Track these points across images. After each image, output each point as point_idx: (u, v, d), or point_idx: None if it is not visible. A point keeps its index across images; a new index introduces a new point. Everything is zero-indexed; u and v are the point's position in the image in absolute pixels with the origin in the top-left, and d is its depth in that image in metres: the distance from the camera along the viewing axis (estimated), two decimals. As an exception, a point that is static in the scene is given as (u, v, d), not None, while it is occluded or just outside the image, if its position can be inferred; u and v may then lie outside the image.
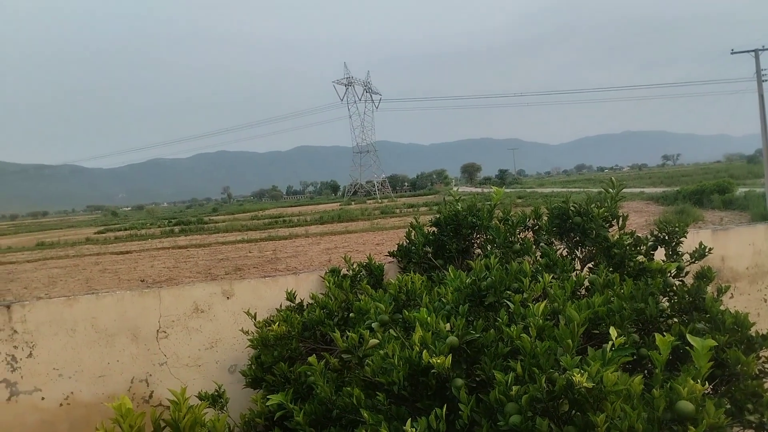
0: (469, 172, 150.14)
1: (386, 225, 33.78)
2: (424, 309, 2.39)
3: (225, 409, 2.91)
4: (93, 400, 3.52)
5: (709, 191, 34.80)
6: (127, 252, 30.55)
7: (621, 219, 3.29)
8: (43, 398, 3.44)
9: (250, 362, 3.30)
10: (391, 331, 2.46)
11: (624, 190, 3.42)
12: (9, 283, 21.13)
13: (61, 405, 3.46)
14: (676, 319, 2.86)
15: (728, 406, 2.48)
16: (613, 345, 1.99)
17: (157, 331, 3.61)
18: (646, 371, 2.62)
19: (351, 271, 3.74)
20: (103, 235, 46.18)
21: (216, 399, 2.92)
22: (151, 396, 3.59)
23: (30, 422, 3.41)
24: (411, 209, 48.02)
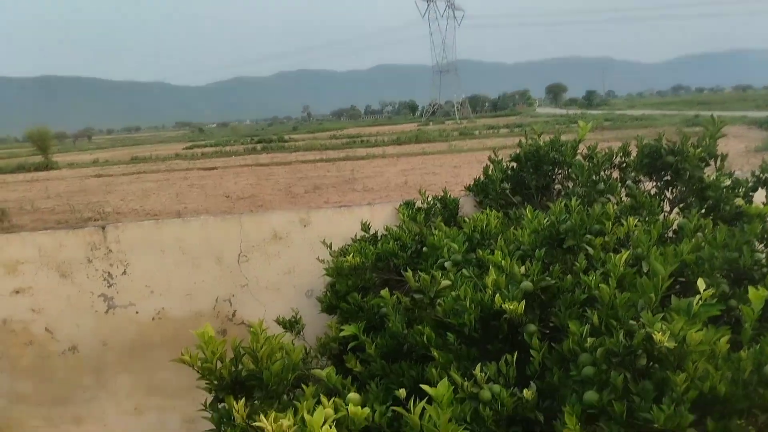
0: (554, 93, 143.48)
1: (464, 147, 33.19)
2: (499, 251, 2.34)
3: (301, 334, 3.04)
4: (182, 316, 3.78)
5: (821, 117, 31.56)
6: (213, 168, 31.82)
7: (719, 158, 3.05)
8: (137, 312, 3.73)
9: (325, 289, 3.40)
10: (464, 271, 2.44)
11: (724, 113, 3.15)
12: (107, 194, 22.64)
13: (153, 319, 3.74)
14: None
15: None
16: (700, 298, 1.89)
17: (239, 255, 3.77)
18: (733, 321, 2.49)
19: (426, 204, 3.72)
20: (191, 150, 48.21)
21: (293, 324, 3.05)
22: (234, 315, 3.80)
23: (126, 333, 3.72)
24: (491, 131, 46.85)
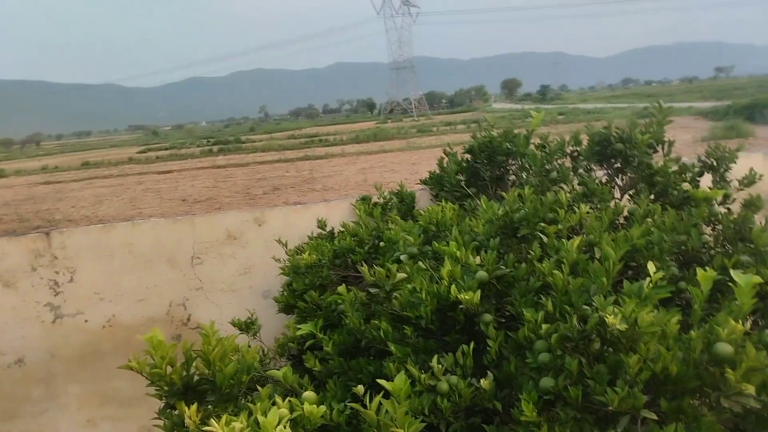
0: (510, 88, 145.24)
1: (422, 144, 33.26)
2: (454, 242, 2.33)
3: (258, 335, 2.98)
4: (134, 322, 3.66)
5: (763, 105, 32.72)
6: (169, 171, 31.05)
7: (666, 145, 3.11)
8: (86, 321, 3.59)
9: (282, 289, 3.34)
10: (420, 263, 2.42)
11: (672, 104, 3.23)
12: (57, 202, 21.85)
13: (103, 327, 3.61)
14: (719, 250, 2.73)
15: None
16: (650, 281, 1.91)
17: (192, 257, 3.68)
18: (683, 304, 2.54)
19: (382, 199, 3.69)
20: (145, 154, 46.97)
21: (249, 326, 2.98)
22: (188, 319, 3.70)
23: (75, 343, 3.58)
24: (448, 127, 47.14)
